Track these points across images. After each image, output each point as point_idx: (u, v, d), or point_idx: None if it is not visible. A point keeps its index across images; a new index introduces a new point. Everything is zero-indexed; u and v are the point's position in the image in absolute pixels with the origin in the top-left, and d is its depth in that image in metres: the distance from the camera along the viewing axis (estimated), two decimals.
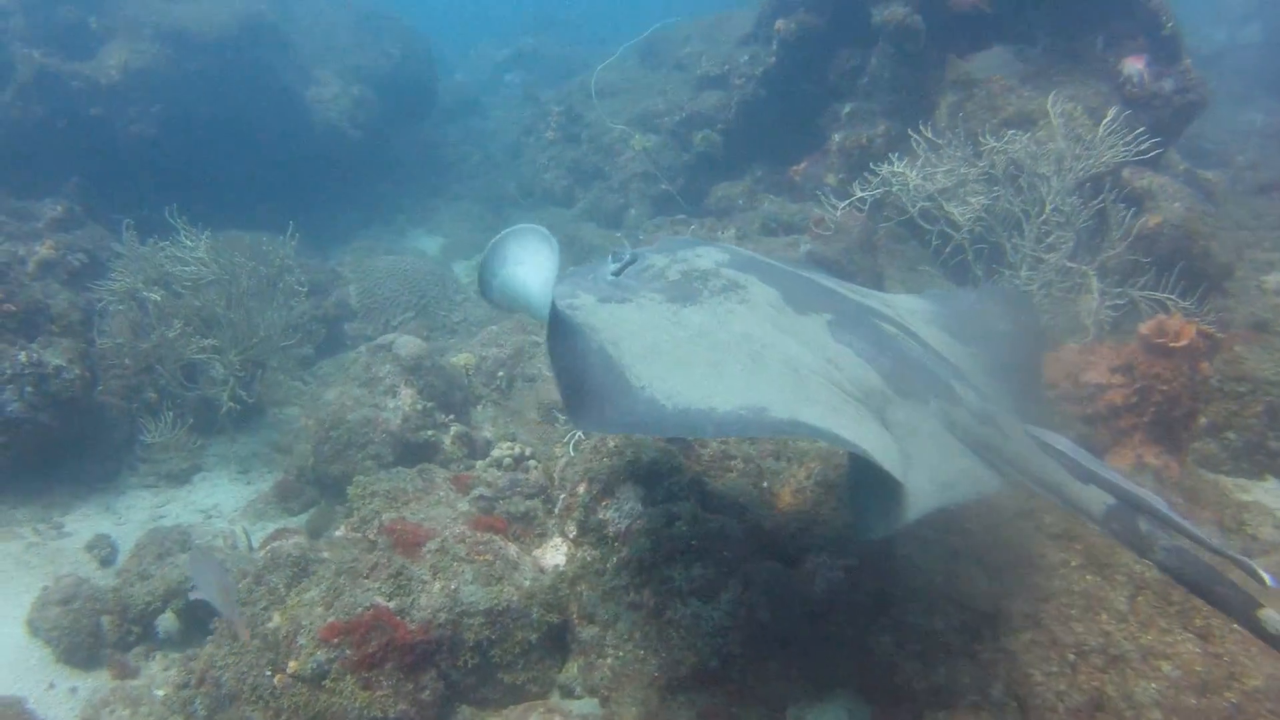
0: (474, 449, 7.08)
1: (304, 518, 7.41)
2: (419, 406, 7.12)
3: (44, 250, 8.92)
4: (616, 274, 3.96)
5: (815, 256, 8.12)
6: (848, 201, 7.31)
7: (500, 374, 7.99)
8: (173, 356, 8.52)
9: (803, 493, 5.74)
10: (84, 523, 7.54)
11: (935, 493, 3.23)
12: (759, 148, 11.27)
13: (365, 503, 5.55)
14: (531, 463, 6.34)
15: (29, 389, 7.46)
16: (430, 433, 7.04)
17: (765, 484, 5.71)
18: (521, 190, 15.05)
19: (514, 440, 6.92)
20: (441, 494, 5.70)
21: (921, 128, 7.50)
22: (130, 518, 7.69)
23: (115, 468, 8.18)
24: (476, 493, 5.58)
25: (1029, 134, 7.08)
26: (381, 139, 14.55)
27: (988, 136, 7.11)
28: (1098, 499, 3.33)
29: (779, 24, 10.25)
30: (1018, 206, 6.98)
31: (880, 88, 9.39)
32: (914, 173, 7.10)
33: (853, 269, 8.40)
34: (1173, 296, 7.03)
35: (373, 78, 14.58)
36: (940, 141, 7.33)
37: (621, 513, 4.90)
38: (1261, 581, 2.97)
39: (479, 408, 7.87)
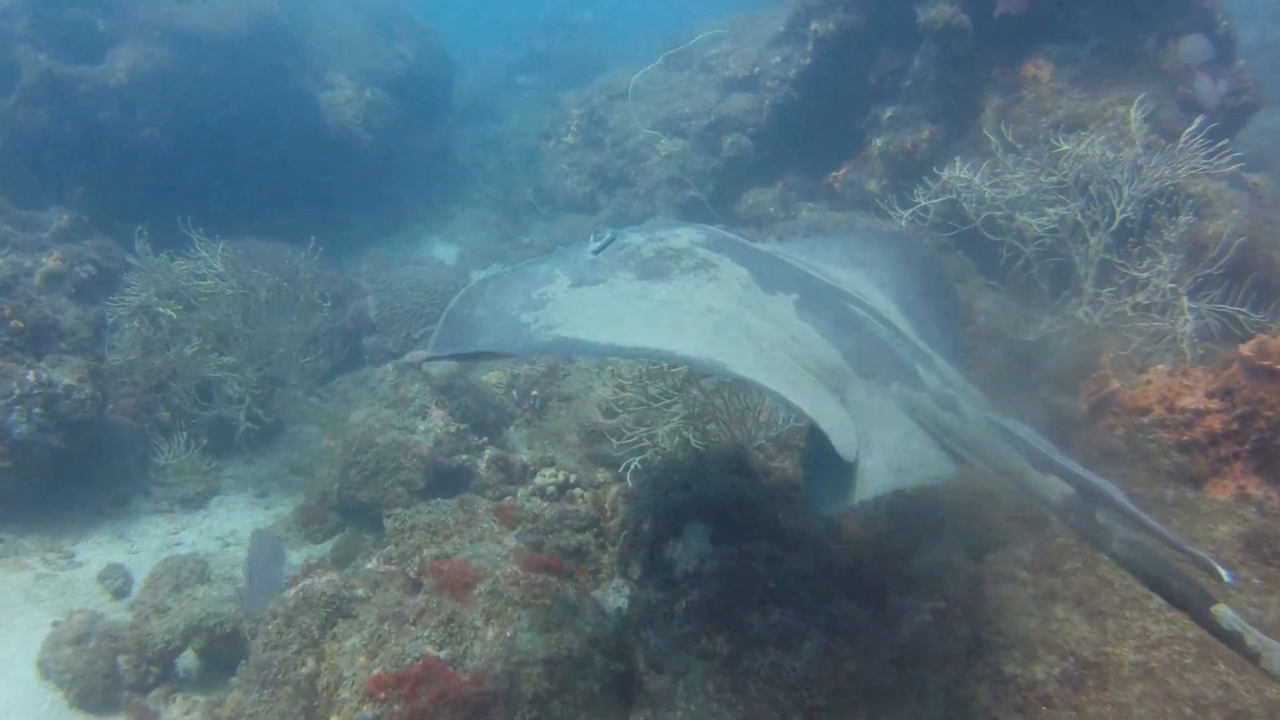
0: (510, 473, 6.68)
1: (328, 545, 7.02)
2: (451, 429, 6.72)
3: (51, 262, 8.50)
4: (596, 253, 4.04)
5: None
6: (911, 210, 6.90)
7: (534, 393, 7.59)
8: (187, 373, 8.12)
9: (873, 524, 5.36)
10: (96, 551, 7.13)
11: (888, 475, 3.24)
12: (791, 153, 10.87)
13: (404, 537, 5.15)
14: (577, 491, 5.94)
15: (38, 410, 7.05)
16: (464, 457, 6.63)
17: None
18: (539, 197, 14.64)
19: (554, 465, 6.53)
20: (484, 526, 5.30)
21: (1002, 130, 7.07)
22: (144, 545, 7.28)
23: (128, 492, 7.77)
24: (524, 526, 5.18)
25: (1103, 139, 6.65)
26: (397, 143, 14.14)
27: (1060, 140, 6.70)
28: (1056, 488, 3.27)
29: (815, 25, 9.85)
30: (1088, 217, 6.56)
31: (924, 90, 8.98)
32: (977, 177, 6.69)
33: None
34: (1244, 310, 6.63)
35: (387, 80, 14.18)
36: (1019, 145, 6.91)
37: (690, 551, 4.49)
38: (1219, 578, 2.93)
39: (512, 428, 7.46)
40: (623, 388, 5.87)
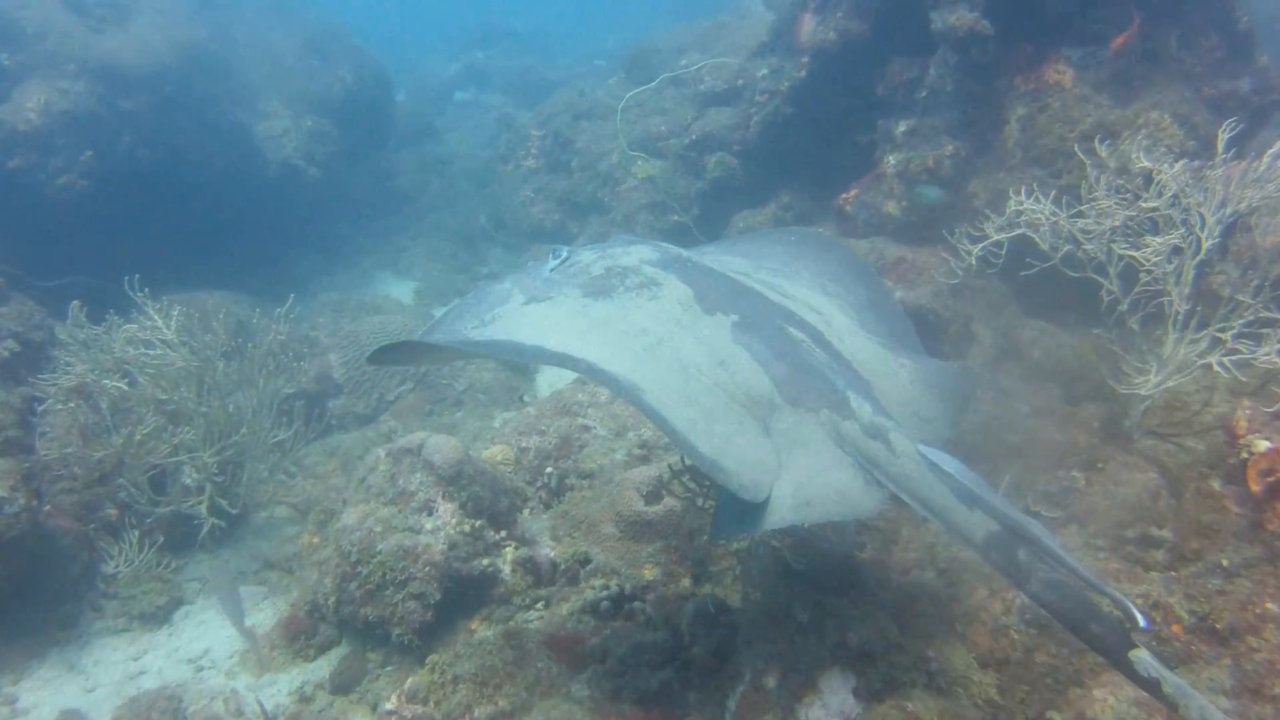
0: (539, 575, 5.73)
1: (321, 663, 5.99)
2: (465, 527, 5.73)
3: None
4: (553, 270, 4.11)
5: (907, 304, 6.97)
6: (982, 245, 6.10)
7: (548, 469, 6.64)
8: (136, 463, 6.99)
9: (1004, 634, 4.53)
10: (44, 691, 5.98)
11: (792, 510, 3.23)
12: (785, 171, 10.08)
13: (447, 692, 4.21)
14: (637, 605, 5.01)
15: None
16: (485, 561, 5.66)
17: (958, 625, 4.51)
18: (494, 222, 13.64)
19: (590, 562, 5.61)
20: (541, 667, 4.37)
21: (1097, 149, 6.31)
22: (101, 678, 6.15)
23: (75, 610, 6.61)
24: (593, 669, 4.24)
25: (1185, 159, 5.94)
26: (341, 173, 13.00)
27: (1143, 159, 5.97)
28: (981, 525, 3.20)
29: (812, 31, 9.04)
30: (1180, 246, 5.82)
31: (942, 102, 8.24)
32: (1047, 205, 5.92)
33: (948, 316, 7.27)
34: None
35: (326, 106, 13.05)
36: (1112, 164, 6.16)
37: (829, 710, 3.62)
38: (1135, 623, 2.86)
39: (527, 511, 6.50)
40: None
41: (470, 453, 6.18)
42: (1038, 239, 5.99)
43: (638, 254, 4.16)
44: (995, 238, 6.02)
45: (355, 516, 5.87)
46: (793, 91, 9.57)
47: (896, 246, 7.77)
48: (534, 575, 5.69)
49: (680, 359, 3.52)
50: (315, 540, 6.78)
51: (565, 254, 4.22)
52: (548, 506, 6.52)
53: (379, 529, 5.73)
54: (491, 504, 6.03)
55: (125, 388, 7.14)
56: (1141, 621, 2.85)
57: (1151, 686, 2.78)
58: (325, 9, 15.38)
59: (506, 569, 5.69)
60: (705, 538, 5.59)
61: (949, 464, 3.37)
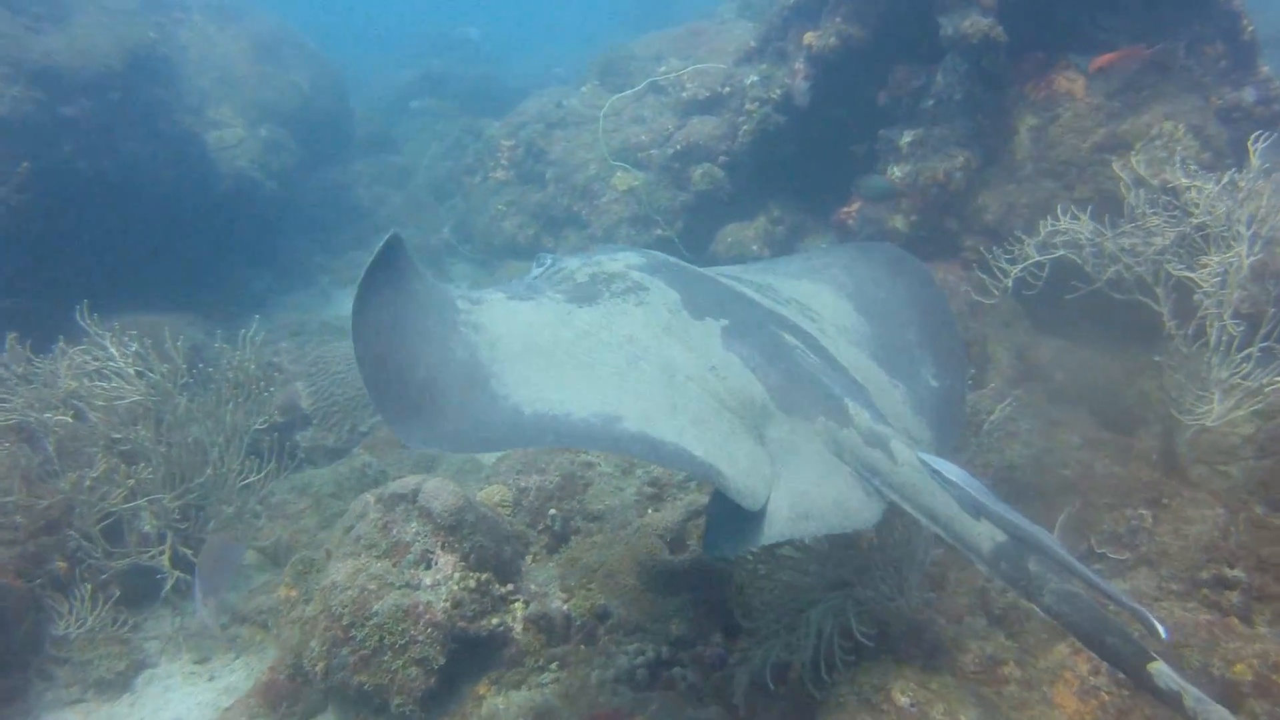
0: (553, 631, 5.16)
1: None
2: (470, 582, 5.15)
3: None
4: (535, 278, 3.99)
5: None
6: (1021, 266, 5.68)
7: (552, 511, 6.06)
8: (86, 509, 6.29)
9: (1094, 695, 4.10)
10: None
11: (788, 523, 3.08)
12: (776, 183, 9.64)
13: None
14: (676, 671, 4.47)
15: None
16: (495, 620, 5.08)
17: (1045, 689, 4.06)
18: (460, 236, 13.01)
19: (607, 614, 5.07)
20: None
21: (1133, 164, 5.95)
22: None
23: (22, 681, 5.86)
24: None
25: (1219, 176, 5.59)
26: (296, 186, 12.27)
27: (1180, 176, 5.61)
28: (987, 536, 3.06)
29: (809, 38, 8.62)
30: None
31: (950, 111, 7.85)
32: (1088, 225, 5.53)
33: (969, 338, 6.88)
34: None
35: (281, 115, 12.33)
36: (1154, 180, 5.79)
37: None
38: (1156, 634, 2.71)
39: (529, 558, 5.92)
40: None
41: (470, 496, 5.60)
42: (1078, 259, 5.60)
43: (624, 259, 4.04)
44: (1035, 258, 5.59)
45: (345, 573, 5.24)
46: (787, 99, 9.13)
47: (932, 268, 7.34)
48: (547, 633, 5.13)
49: (667, 367, 3.39)
50: (293, 594, 6.12)
51: (549, 260, 4.14)
52: (552, 552, 5.94)
53: (373, 586, 5.12)
54: (496, 553, 5.45)
55: (72, 420, 6.46)
56: (1163, 633, 2.71)
57: (1173, 700, 2.65)
58: (273, 11, 14.55)
59: (518, 627, 5.12)
60: (736, 588, 5.10)
61: (952, 472, 3.19)
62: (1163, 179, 6.14)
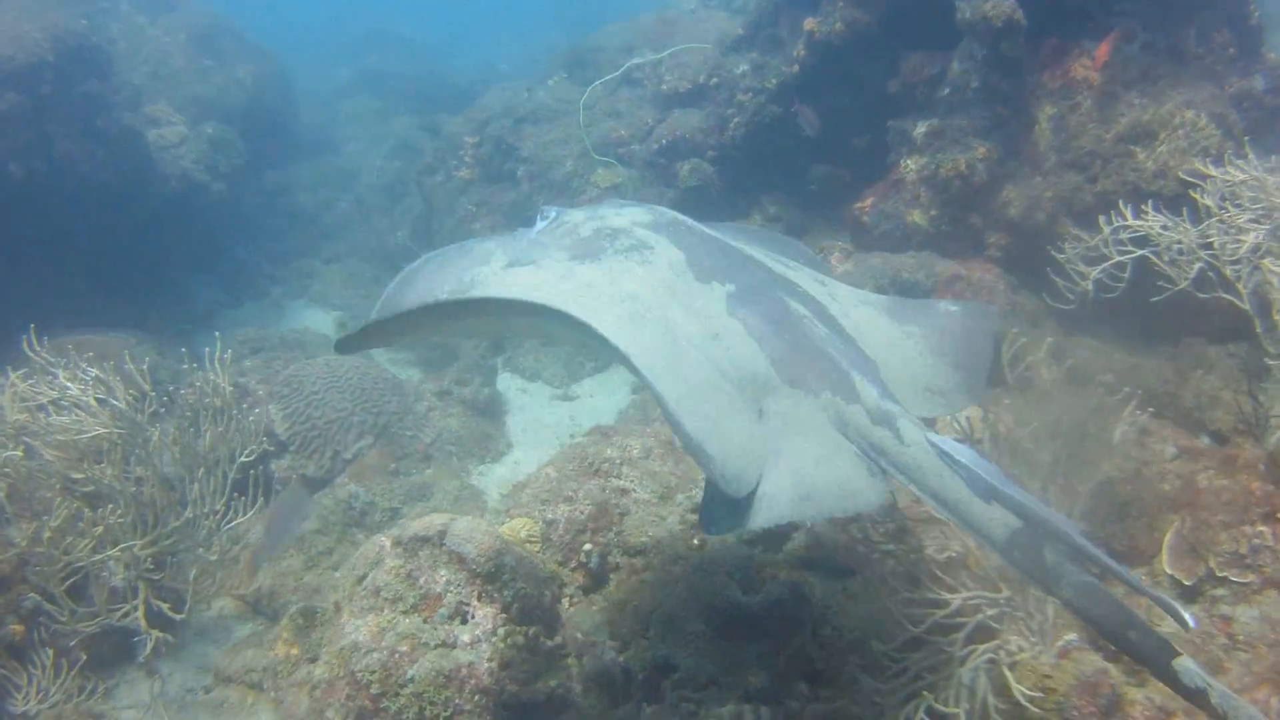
0: (614, 690, 4.57)
1: None
2: (518, 638, 4.51)
3: None
4: (539, 232, 3.90)
5: None
6: (1101, 267, 5.25)
7: (586, 546, 5.45)
8: (46, 562, 5.49)
9: None
10: None
11: (792, 503, 2.93)
12: (769, 178, 9.16)
13: None
14: None
15: None
16: (553, 682, 4.46)
17: None
18: (419, 240, 12.25)
19: (673, 667, 4.50)
20: None
21: (1203, 167, 5.59)
22: None
23: None
24: None
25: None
26: (242, 189, 11.39)
27: (1240, 170, 5.26)
28: (1001, 521, 2.88)
29: (810, 23, 8.13)
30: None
31: (968, 100, 7.44)
32: (1160, 220, 5.13)
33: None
34: None
35: (224, 112, 11.41)
36: (1220, 180, 5.41)
37: None
38: (1184, 625, 2.65)
39: (566, 601, 5.30)
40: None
41: (505, 538, 4.96)
42: (1156, 259, 5.20)
43: (629, 215, 3.88)
44: (1118, 258, 5.17)
45: (369, 632, 4.56)
46: (782, 90, 8.63)
47: (947, 261, 6.93)
48: (610, 695, 4.53)
49: (668, 329, 3.26)
50: (294, 651, 5.41)
51: (554, 214, 4.01)
52: (589, 593, 5.34)
53: (405, 648, 4.44)
54: (538, 601, 4.83)
55: (21, 457, 5.66)
56: (1191, 623, 2.65)
57: (1198, 698, 2.55)
58: (206, 2, 13.60)
59: (578, 687, 4.51)
60: (809, 629, 4.59)
61: (962, 453, 3.03)
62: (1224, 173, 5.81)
